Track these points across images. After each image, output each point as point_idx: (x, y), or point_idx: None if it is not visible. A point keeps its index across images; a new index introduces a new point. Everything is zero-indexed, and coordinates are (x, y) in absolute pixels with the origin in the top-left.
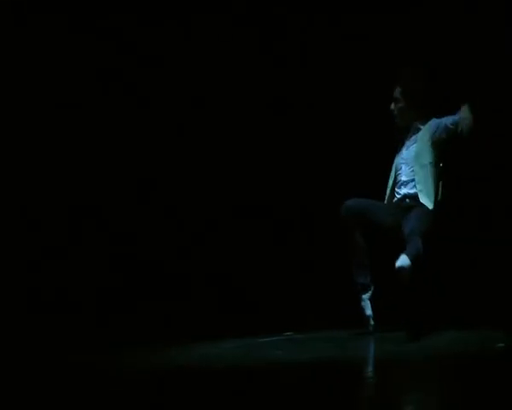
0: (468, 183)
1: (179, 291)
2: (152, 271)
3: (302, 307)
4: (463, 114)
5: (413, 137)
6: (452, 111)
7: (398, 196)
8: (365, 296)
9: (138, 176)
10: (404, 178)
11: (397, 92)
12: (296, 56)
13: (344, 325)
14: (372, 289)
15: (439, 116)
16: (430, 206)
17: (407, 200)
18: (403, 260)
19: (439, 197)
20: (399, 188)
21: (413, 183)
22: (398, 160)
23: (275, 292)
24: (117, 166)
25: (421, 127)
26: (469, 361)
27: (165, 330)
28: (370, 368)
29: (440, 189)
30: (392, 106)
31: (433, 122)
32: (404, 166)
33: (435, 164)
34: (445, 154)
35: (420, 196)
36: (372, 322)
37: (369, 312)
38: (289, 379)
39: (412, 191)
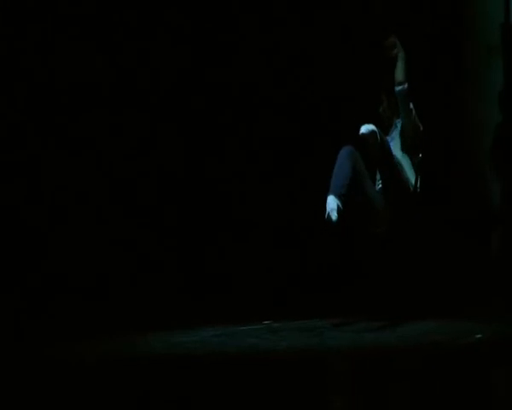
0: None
1: (158, 279)
2: (129, 258)
3: (281, 296)
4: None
5: (392, 134)
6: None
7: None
8: (336, 200)
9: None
10: None
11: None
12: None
13: (323, 315)
14: (341, 209)
15: None
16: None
17: None
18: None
19: (418, 187)
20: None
21: None
22: None
23: (255, 281)
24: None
25: (394, 133)
26: (446, 352)
27: (145, 317)
28: (346, 357)
29: (419, 181)
30: (380, 108)
31: None
32: None
33: (411, 155)
34: (419, 144)
35: None
36: (336, 214)
37: (333, 205)
38: (266, 367)
39: None
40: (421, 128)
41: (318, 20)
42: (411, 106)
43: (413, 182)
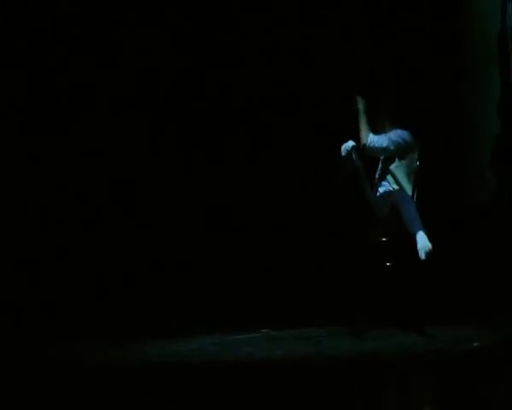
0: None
1: (156, 288)
2: (127, 265)
3: (279, 304)
4: None
5: None
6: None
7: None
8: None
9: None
10: (379, 186)
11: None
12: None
13: (321, 324)
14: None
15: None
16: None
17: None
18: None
19: (415, 198)
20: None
21: (387, 184)
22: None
23: (252, 289)
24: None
25: None
26: (444, 359)
27: (142, 325)
28: (344, 365)
29: (416, 191)
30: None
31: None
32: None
33: (405, 165)
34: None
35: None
36: (352, 142)
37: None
38: (262, 376)
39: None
40: (407, 138)
41: (318, 20)
42: (385, 144)
43: (410, 191)
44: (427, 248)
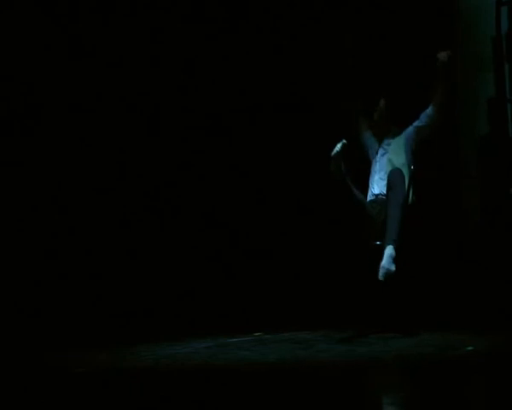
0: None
1: (150, 290)
2: (120, 268)
3: (273, 308)
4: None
5: (389, 141)
6: None
7: (371, 198)
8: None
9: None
10: (376, 183)
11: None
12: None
13: (314, 328)
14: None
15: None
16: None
17: (380, 196)
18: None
19: (410, 200)
20: (372, 188)
21: (384, 182)
22: (372, 173)
23: (246, 292)
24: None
25: (392, 141)
26: (436, 364)
27: (136, 329)
28: (336, 369)
29: (411, 193)
30: (375, 116)
31: (408, 128)
32: (376, 175)
33: (408, 166)
34: (415, 156)
35: None
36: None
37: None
38: (256, 379)
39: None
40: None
41: (318, 20)
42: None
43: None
44: (387, 271)
